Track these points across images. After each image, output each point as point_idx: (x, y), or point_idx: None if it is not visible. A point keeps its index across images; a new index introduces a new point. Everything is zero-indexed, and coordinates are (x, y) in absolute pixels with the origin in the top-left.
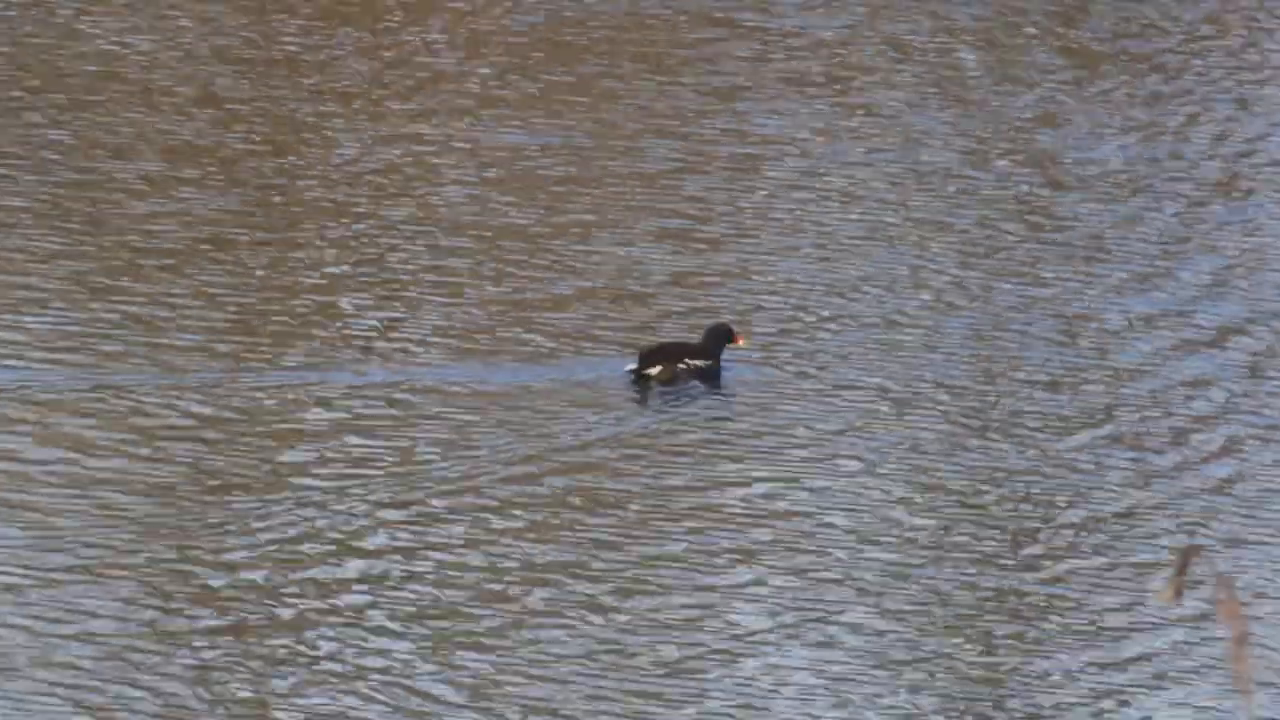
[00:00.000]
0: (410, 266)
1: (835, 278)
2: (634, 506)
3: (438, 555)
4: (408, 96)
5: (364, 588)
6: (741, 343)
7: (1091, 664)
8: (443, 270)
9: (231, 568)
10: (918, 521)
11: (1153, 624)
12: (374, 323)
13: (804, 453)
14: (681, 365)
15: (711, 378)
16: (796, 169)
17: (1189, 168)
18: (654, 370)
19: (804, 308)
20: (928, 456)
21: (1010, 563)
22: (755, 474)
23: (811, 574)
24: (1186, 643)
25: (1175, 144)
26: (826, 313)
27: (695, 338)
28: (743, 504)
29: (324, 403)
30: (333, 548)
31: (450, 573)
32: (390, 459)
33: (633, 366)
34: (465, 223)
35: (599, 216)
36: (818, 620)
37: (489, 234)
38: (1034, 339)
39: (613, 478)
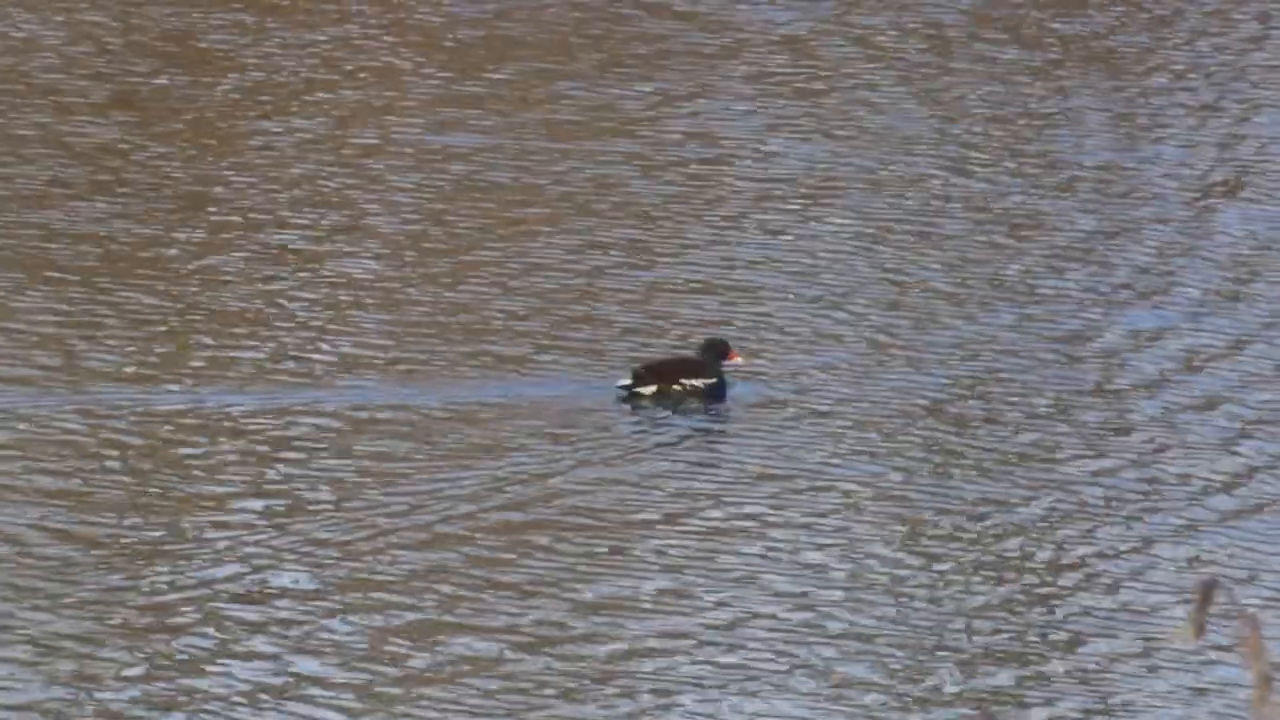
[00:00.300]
0: (347, 279)
1: (812, 290)
2: (598, 538)
3: (379, 595)
4: (342, 94)
5: (286, 624)
6: (737, 359)
7: (1092, 709)
8: (382, 281)
9: (145, 605)
10: (906, 557)
11: (1163, 662)
12: (309, 339)
13: (790, 483)
14: (677, 386)
15: (713, 396)
16: (763, 173)
17: (1176, 168)
18: (648, 389)
19: (780, 323)
20: (916, 484)
21: (1008, 597)
22: (730, 504)
23: (793, 609)
24: (1196, 678)
25: (1159, 145)
26: (804, 329)
27: (653, 357)
28: (718, 533)
29: (252, 425)
30: (254, 580)
31: (392, 608)
32: (335, 484)
33: (625, 383)
34: (407, 231)
35: (551, 225)
36: (797, 659)
37: (433, 243)
38: (1027, 354)
39: (573, 510)
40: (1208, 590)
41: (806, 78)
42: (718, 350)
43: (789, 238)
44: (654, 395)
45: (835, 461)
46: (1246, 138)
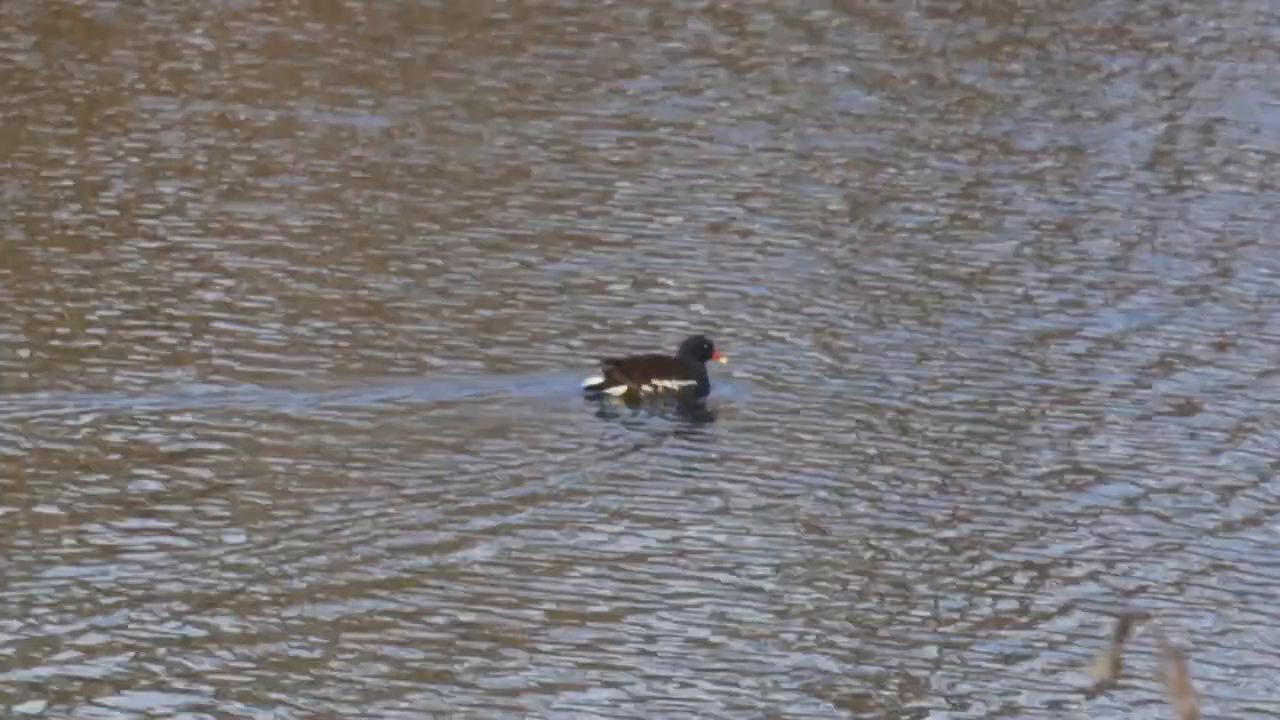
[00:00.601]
0: (243, 271)
1: (758, 283)
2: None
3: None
4: (238, 70)
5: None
6: (722, 359)
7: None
8: (282, 274)
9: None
10: (854, 564)
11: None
12: (203, 337)
13: (746, 488)
14: (648, 387)
15: (690, 398)
16: (698, 156)
17: (1132, 150)
18: (616, 390)
19: (725, 319)
20: (871, 492)
21: (977, 614)
22: (675, 513)
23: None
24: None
25: (1116, 127)
26: (752, 325)
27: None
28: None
29: (145, 429)
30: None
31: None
32: (251, 490)
33: (593, 382)
34: (311, 220)
35: (468, 215)
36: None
37: (338, 233)
38: (985, 352)
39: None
40: (1126, 624)
41: (739, 53)
42: (699, 350)
43: (724, 228)
44: (624, 396)
45: (794, 469)
46: (1208, 122)
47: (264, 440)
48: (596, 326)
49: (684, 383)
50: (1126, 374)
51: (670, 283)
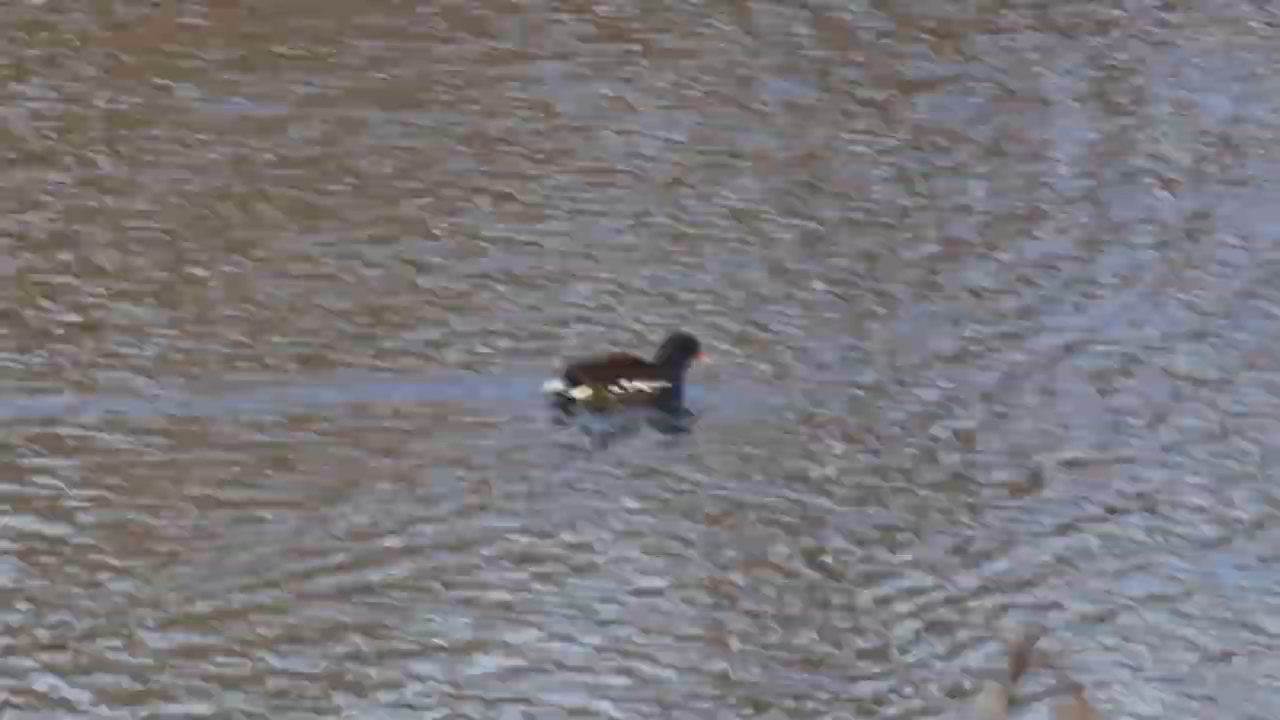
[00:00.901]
0: (120, 270)
1: (669, 284)
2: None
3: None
4: (115, 50)
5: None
6: (705, 359)
7: None
8: (161, 275)
9: None
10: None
11: None
12: (72, 340)
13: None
14: (616, 389)
15: (666, 402)
16: (602, 149)
17: (1076, 141)
18: (580, 393)
19: (649, 324)
20: (808, 507)
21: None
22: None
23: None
24: None
25: (1058, 115)
26: (662, 331)
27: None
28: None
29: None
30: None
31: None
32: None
33: (556, 385)
34: (192, 216)
35: (364, 209)
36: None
37: (223, 229)
38: (929, 354)
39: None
40: (1023, 653)
41: (652, 36)
42: (683, 347)
43: (641, 226)
44: (588, 399)
45: (705, 480)
46: (1152, 110)
47: (149, 448)
48: (510, 332)
49: (656, 384)
50: (1079, 375)
51: (585, 285)
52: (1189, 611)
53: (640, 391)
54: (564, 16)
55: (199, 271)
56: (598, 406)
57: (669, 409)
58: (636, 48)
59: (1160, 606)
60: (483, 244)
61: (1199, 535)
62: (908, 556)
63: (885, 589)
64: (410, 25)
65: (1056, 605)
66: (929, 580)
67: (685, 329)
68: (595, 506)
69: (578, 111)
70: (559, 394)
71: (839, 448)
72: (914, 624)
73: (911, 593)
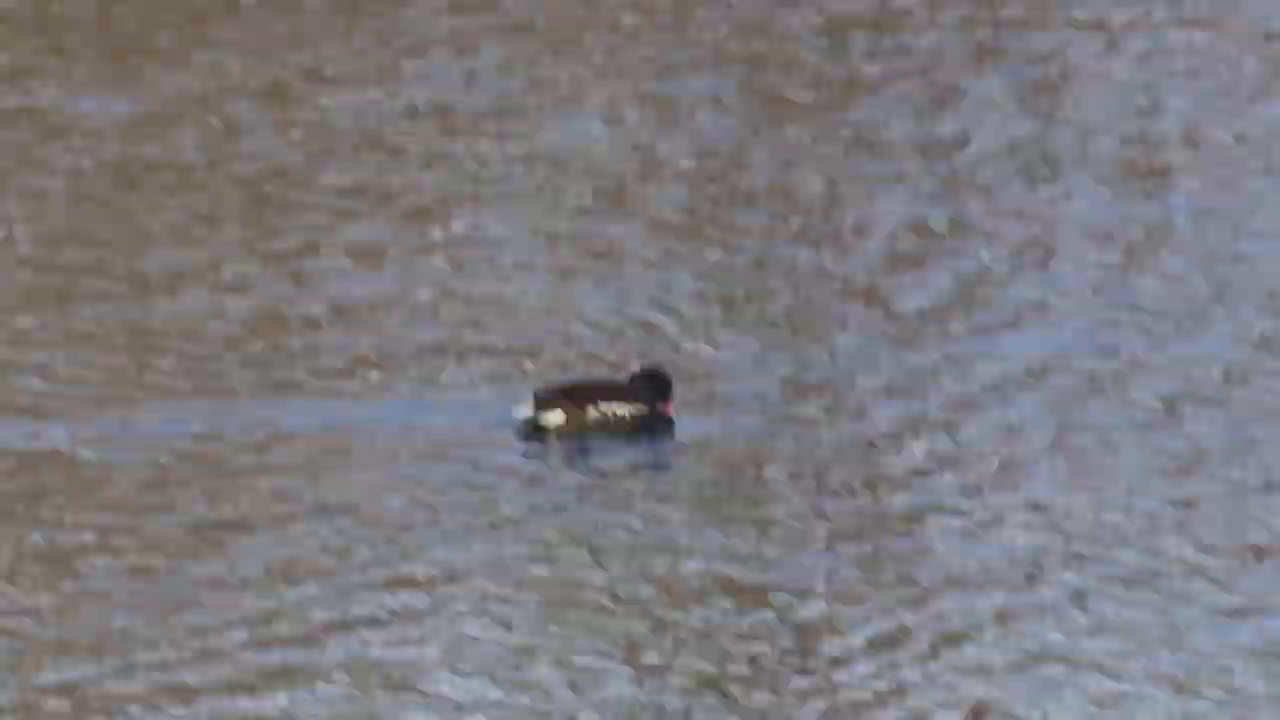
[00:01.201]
0: None
1: (569, 301)
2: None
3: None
4: None
5: None
6: (669, 412)
7: None
8: (34, 291)
9: None
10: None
11: None
12: None
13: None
14: (595, 413)
15: (646, 430)
16: (524, 148)
17: (1006, 147)
18: (554, 418)
19: (561, 343)
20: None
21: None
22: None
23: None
24: None
25: (983, 119)
26: (591, 348)
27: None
28: None
29: None
30: None
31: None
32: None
33: (525, 412)
34: (55, 222)
35: (245, 217)
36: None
37: (91, 242)
38: (862, 370)
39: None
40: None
41: (560, 29)
42: (655, 385)
43: (556, 234)
44: (561, 425)
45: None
46: (1077, 116)
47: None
48: (378, 347)
49: (635, 409)
50: (1034, 400)
51: (488, 302)
52: (1156, 663)
53: (619, 417)
54: (467, 6)
55: (74, 287)
56: (572, 432)
57: (652, 438)
58: (544, 45)
59: (1126, 655)
60: (369, 254)
61: (1167, 585)
62: (857, 608)
63: (834, 640)
64: (292, 13)
65: (1009, 655)
66: (880, 629)
67: (657, 365)
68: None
69: (476, 108)
70: (530, 421)
71: (783, 486)
72: (867, 682)
73: (864, 646)
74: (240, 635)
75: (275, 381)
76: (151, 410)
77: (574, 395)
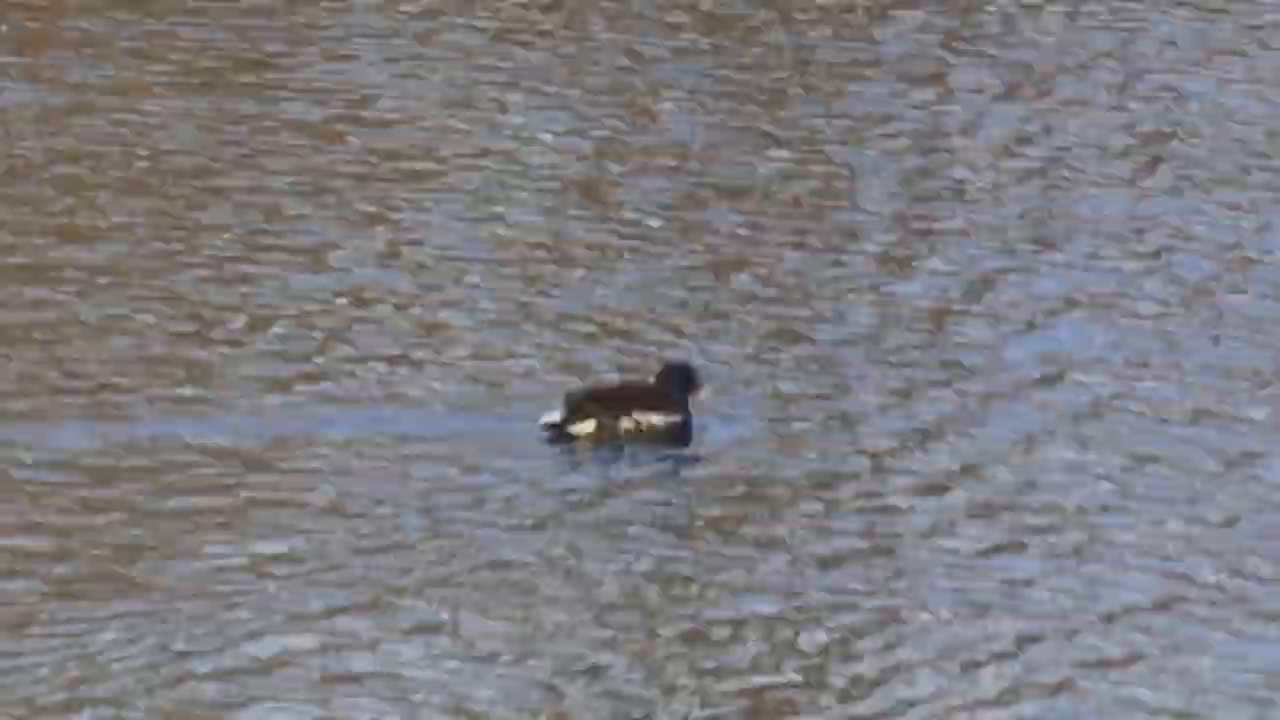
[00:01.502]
0: None
1: (524, 301)
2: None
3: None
4: None
5: None
6: (702, 393)
7: None
8: None
9: None
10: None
11: None
12: None
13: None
14: (628, 423)
15: (677, 438)
16: (473, 143)
17: (986, 143)
18: (583, 427)
19: (527, 349)
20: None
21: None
22: None
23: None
24: None
25: (963, 113)
26: (561, 353)
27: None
28: None
29: None
30: None
31: None
32: None
33: (552, 418)
34: None
35: (153, 217)
36: None
37: None
38: (837, 378)
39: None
40: None
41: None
42: (682, 379)
43: (512, 236)
44: (594, 435)
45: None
46: (1052, 109)
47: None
48: (315, 345)
49: (670, 418)
50: (1042, 410)
51: (444, 308)
52: (1154, 680)
53: (654, 428)
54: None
55: None
56: (602, 442)
57: (678, 447)
58: (508, 45)
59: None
60: (297, 258)
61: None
62: (867, 640)
63: (841, 666)
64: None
65: (1026, 680)
66: (891, 660)
67: (681, 358)
68: None
69: (431, 103)
70: (557, 428)
71: (789, 504)
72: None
73: (873, 672)
74: (248, 629)
75: (179, 391)
76: (58, 419)
77: (609, 403)
